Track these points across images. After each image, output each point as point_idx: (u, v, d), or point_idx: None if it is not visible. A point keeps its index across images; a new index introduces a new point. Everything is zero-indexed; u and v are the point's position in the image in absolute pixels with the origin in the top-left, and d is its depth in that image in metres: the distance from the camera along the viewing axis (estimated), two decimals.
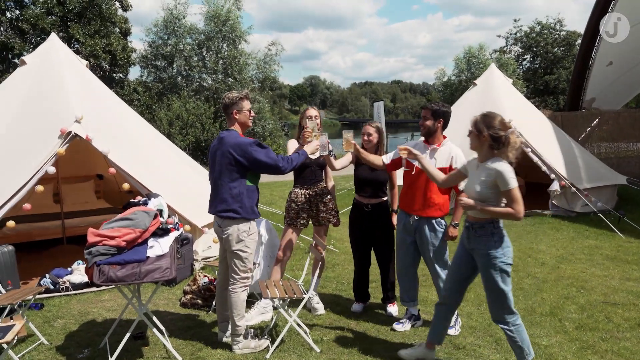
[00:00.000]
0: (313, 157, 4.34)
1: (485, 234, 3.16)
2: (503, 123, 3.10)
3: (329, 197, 4.48)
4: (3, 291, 4.19)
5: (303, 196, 4.39)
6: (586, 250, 6.46)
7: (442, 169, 3.82)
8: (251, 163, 3.63)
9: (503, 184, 3.04)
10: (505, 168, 3.05)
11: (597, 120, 13.39)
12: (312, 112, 4.38)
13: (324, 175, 4.53)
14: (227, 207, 3.68)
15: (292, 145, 4.38)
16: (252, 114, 3.82)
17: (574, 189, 8.34)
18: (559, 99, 30.31)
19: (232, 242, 3.69)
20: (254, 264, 4.63)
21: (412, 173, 3.97)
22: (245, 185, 3.69)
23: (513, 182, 3.03)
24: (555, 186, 8.44)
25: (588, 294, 4.87)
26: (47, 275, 5.20)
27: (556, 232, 7.46)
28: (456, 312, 4.08)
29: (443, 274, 4.00)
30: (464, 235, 3.35)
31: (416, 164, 3.80)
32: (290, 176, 4.41)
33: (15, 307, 3.88)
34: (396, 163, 4.10)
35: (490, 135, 3.08)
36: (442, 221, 3.96)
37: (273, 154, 3.73)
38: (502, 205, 3.11)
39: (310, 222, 4.50)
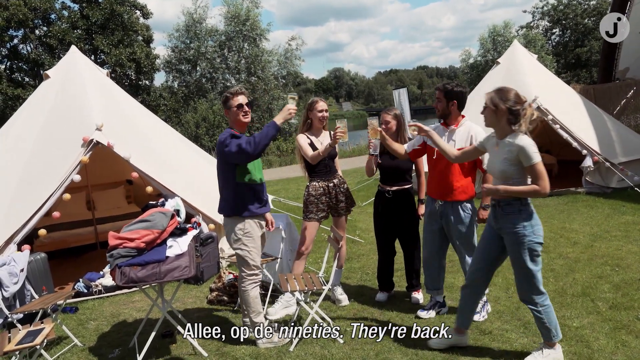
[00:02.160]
0: (322, 150, 4.29)
1: (513, 211, 3.08)
2: (518, 96, 3.06)
3: (345, 185, 4.44)
4: (36, 297, 4.36)
5: (322, 188, 4.35)
6: (622, 226, 6.18)
7: (461, 150, 3.75)
8: (227, 156, 3.53)
9: (526, 159, 2.98)
10: (527, 142, 2.99)
11: (632, 90, 12.79)
12: (323, 105, 4.32)
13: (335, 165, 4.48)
14: (222, 206, 3.73)
15: (304, 140, 4.32)
16: (245, 109, 3.63)
17: (608, 164, 8.00)
18: (592, 72, 29.15)
19: (231, 241, 3.73)
20: (275, 258, 4.65)
21: (434, 157, 3.90)
22: (235, 182, 3.64)
23: (536, 157, 2.97)
24: (587, 162, 8.12)
25: (623, 272, 4.66)
26: (81, 280, 5.38)
27: (590, 210, 7.18)
28: (484, 298, 4.00)
29: (470, 260, 3.90)
30: (490, 215, 3.28)
31: (430, 142, 3.75)
32: None
33: (48, 311, 4.03)
34: (418, 151, 4.04)
35: (507, 108, 3.03)
36: (468, 205, 3.85)
37: (242, 140, 3.46)
38: (528, 181, 3.04)
39: (330, 213, 4.48)
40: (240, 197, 3.65)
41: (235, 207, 3.65)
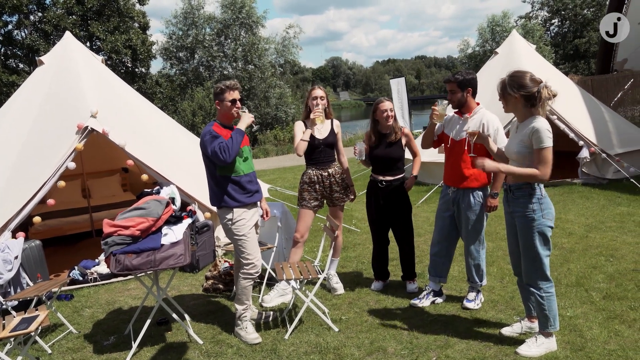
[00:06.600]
0: (320, 137, 4.28)
1: (524, 195, 3.10)
2: (533, 79, 3.02)
3: (342, 176, 4.42)
4: (31, 284, 4.35)
5: (315, 177, 4.35)
6: (617, 217, 6.21)
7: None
8: (205, 153, 3.59)
9: (537, 141, 2.96)
10: (541, 125, 2.97)
11: (630, 82, 12.78)
12: (319, 92, 4.31)
13: (336, 154, 4.47)
14: (210, 196, 3.76)
15: (299, 127, 4.31)
16: (238, 105, 3.66)
17: (604, 155, 8.01)
18: (590, 63, 29.07)
19: (224, 232, 3.76)
20: (271, 247, 4.65)
21: (448, 146, 3.91)
22: (217, 175, 3.65)
23: (548, 142, 2.95)
24: (584, 153, 8.13)
25: (618, 262, 4.69)
26: (76, 267, 5.37)
27: (586, 201, 7.20)
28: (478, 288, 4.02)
29: (475, 251, 3.90)
30: (504, 200, 3.28)
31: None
32: None
33: (43, 298, 4.02)
34: (438, 141, 4.05)
35: (522, 95, 3.01)
36: (480, 193, 3.83)
37: (218, 144, 3.49)
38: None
39: (325, 203, 4.47)
40: (224, 189, 3.64)
41: (221, 198, 3.65)
